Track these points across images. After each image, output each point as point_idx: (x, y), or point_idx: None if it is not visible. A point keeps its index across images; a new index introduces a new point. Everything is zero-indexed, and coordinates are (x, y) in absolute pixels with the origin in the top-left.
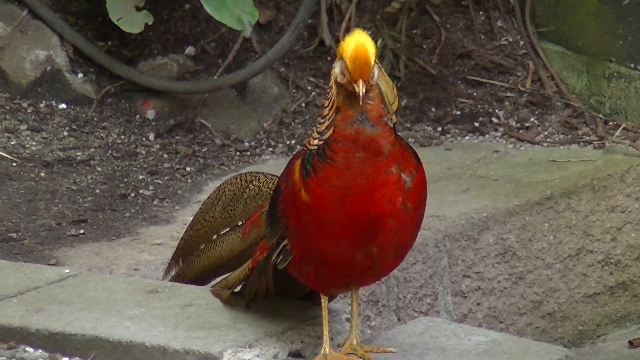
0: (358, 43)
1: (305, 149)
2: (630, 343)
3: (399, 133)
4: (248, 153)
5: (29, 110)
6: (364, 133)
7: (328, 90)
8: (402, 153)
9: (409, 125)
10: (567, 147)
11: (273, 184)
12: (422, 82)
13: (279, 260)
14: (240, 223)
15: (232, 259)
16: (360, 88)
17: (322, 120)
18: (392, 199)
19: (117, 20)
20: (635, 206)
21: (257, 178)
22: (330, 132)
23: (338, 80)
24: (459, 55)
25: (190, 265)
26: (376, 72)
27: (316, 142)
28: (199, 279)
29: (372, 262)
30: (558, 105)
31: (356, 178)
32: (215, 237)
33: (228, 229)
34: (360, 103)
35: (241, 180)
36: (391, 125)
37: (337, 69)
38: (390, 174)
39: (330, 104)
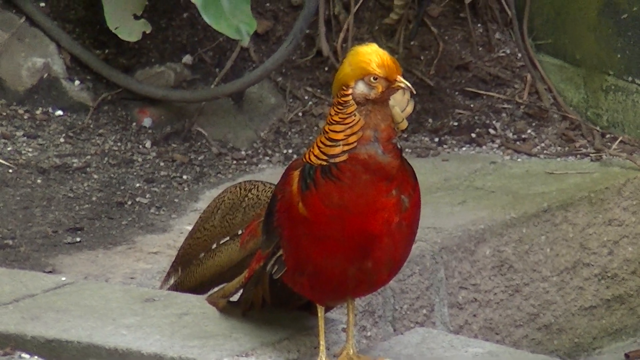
0: (376, 51)
1: (303, 160)
2: (627, 356)
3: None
4: (245, 162)
5: (25, 117)
6: (376, 159)
7: (344, 117)
8: (404, 175)
9: (406, 136)
10: (564, 160)
11: (272, 193)
12: (420, 94)
13: (274, 270)
14: (239, 232)
15: (231, 268)
16: (404, 80)
17: (332, 144)
18: (389, 220)
19: (115, 28)
20: (632, 219)
21: (256, 187)
22: (345, 157)
23: (370, 97)
24: (457, 67)
25: (189, 274)
26: None
27: (320, 162)
28: (198, 288)
29: (366, 276)
30: (555, 117)
31: (358, 198)
32: (214, 246)
33: (227, 237)
34: (414, 92)
35: (240, 189)
36: (399, 147)
37: (361, 90)
38: (391, 197)
39: (346, 129)
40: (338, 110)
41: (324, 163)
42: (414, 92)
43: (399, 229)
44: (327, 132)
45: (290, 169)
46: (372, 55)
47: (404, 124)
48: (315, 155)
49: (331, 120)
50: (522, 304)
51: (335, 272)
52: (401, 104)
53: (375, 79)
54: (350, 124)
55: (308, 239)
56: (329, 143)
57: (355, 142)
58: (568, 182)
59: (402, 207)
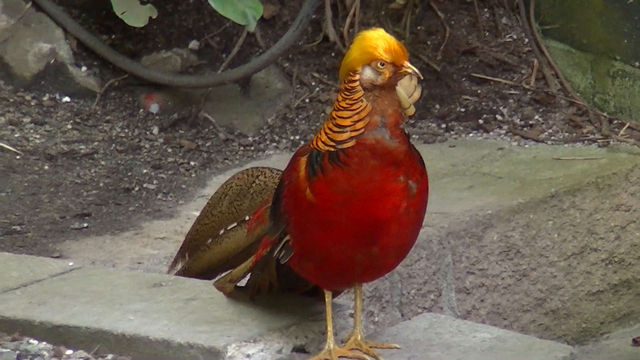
0: (383, 36)
1: (310, 146)
2: (634, 341)
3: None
4: (252, 148)
5: (32, 103)
6: (383, 144)
7: (351, 103)
8: (411, 161)
9: (413, 122)
10: (572, 145)
11: (279, 179)
12: (426, 79)
13: (281, 255)
14: (246, 218)
15: (238, 254)
16: (410, 66)
17: (340, 130)
18: (396, 206)
19: (122, 13)
20: None
21: (264, 173)
22: (352, 143)
23: (377, 82)
24: (463, 52)
25: (196, 259)
26: None
27: (328, 148)
28: (205, 274)
29: (373, 262)
30: (562, 103)
31: (365, 184)
32: (222, 232)
33: (235, 224)
34: (421, 77)
35: (248, 175)
36: (406, 132)
37: (368, 75)
38: (398, 182)
39: (353, 114)
40: (345, 96)
41: (332, 149)
42: (422, 78)
43: (406, 214)
44: (334, 118)
45: (297, 154)
46: (379, 41)
47: (412, 110)
48: (322, 142)
49: (338, 106)
50: (530, 289)
51: (342, 257)
52: (408, 90)
53: (382, 64)
54: (358, 110)
55: (315, 225)
56: (336, 129)
57: (362, 128)
58: (575, 167)
59: (409, 192)
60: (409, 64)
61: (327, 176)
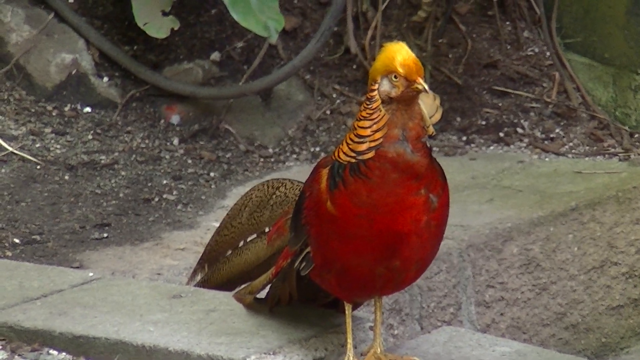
0: (401, 49)
1: (332, 158)
2: None
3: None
4: (272, 159)
5: (53, 114)
6: (404, 157)
7: (370, 112)
8: (433, 174)
9: (434, 135)
10: (592, 159)
11: (299, 190)
12: (448, 92)
13: (302, 267)
14: (266, 229)
15: (258, 265)
16: (422, 83)
17: (360, 140)
18: (417, 219)
19: (144, 24)
20: None
21: (284, 184)
22: (372, 154)
23: (392, 95)
24: (485, 65)
25: (216, 271)
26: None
27: (349, 159)
28: (225, 286)
29: (394, 275)
30: (583, 116)
31: (386, 197)
32: (241, 243)
33: (255, 235)
34: (431, 96)
35: (268, 187)
36: (428, 145)
37: (385, 87)
38: (419, 195)
39: (372, 124)
40: (366, 106)
41: (352, 160)
42: (427, 92)
43: (427, 228)
44: (355, 129)
45: (319, 166)
46: (397, 54)
47: (431, 130)
48: (344, 152)
49: (360, 116)
50: (550, 303)
51: (363, 270)
52: (430, 110)
53: (396, 77)
54: (376, 119)
55: (336, 237)
56: (356, 139)
57: (380, 138)
58: (596, 181)
59: (430, 206)
60: (421, 81)
61: (348, 188)
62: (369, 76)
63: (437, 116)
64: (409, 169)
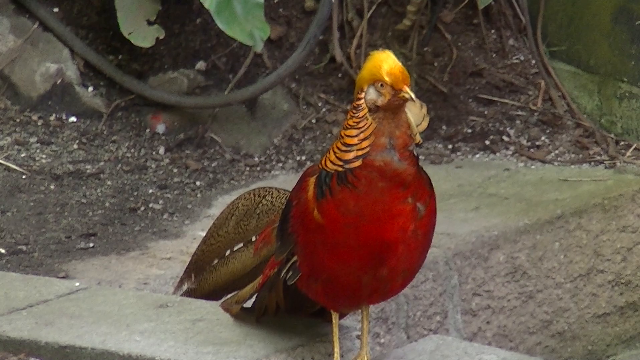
0: (387, 58)
1: (319, 167)
2: None
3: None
4: (258, 168)
5: (39, 123)
6: (391, 166)
7: (357, 121)
8: (420, 183)
9: (420, 143)
10: (578, 167)
11: (286, 199)
12: (433, 100)
13: (289, 276)
14: (253, 238)
15: (244, 275)
16: (409, 92)
17: (347, 149)
18: (404, 228)
19: (129, 34)
20: None
21: (270, 193)
22: (359, 163)
23: (378, 103)
24: (470, 74)
25: (202, 280)
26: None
27: (336, 167)
28: (212, 295)
29: (380, 284)
30: (569, 124)
31: (373, 205)
32: (228, 252)
33: (241, 244)
34: (418, 104)
35: (254, 195)
36: (415, 154)
37: (371, 95)
38: (406, 204)
39: (359, 133)
40: (352, 115)
41: (340, 169)
42: (415, 101)
43: (414, 236)
44: (342, 137)
45: (306, 175)
46: (383, 62)
47: (418, 138)
48: (331, 161)
49: (346, 125)
50: (536, 311)
51: (350, 279)
52: (417, 118)
53: (382, 85)
54: (363, 128)
55: (323, 246)
56: (343, 148)
57: (367, 146)
58: (582, 189)
59: (417, 215)
60: (407, 90)
61: (335, 197)
62: (355, 84)
63: (424, 124)
64: (396, 178)
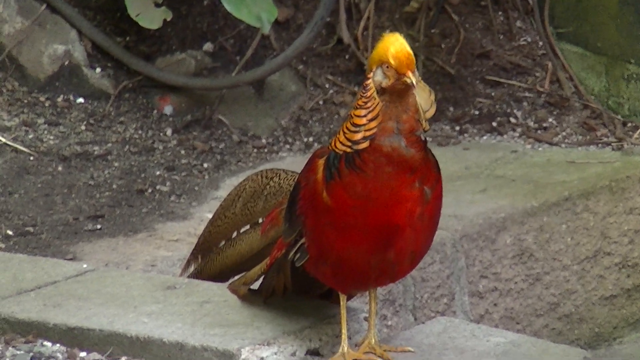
0: (395, 41)
1: (328, 148)
2: None
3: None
4: (265, 150)
5: (46, 105)
6: (399, 151)
7: (365, 101)
8: (427, 167)
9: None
10: (586, 149)
11: (293, 180)
12: (440, 82)
13: (297, 258)
14: (260, 220)
15: (251, 256)
16: (412, 77)
17: (355, 129)
18: (411, 212)
19: (136, 15)
20: None
21: (278, 175)
22: (366, 144)
23: (383, 85)
24: (478, 55)
25: (209, 262)
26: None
27: (345, 148)
28: (219, 277)
29: (388, 267)
30: (576, 106)
31: (381, 189)
32: (235, 234)
33: (248, 226)
34: (415, 88)
35: (262, 177)
36: (423, 138)
37: (378, 77)
38: (413, 188)
39: (367, 113)
40: (361, 95)
41: (348, 150)
42: (415, 88)
43: (421, 220)
44: (351, 117)
45: (315, 156)
46: (390, 45)
47: (425, 125)
48: (340, 142)
49: (356, 105)
50: (543, 293)
51: (357, 262)
52: (425, 105)
53: (387, 67)
54: (370, 108)
55: (331, 228)
56: (352, 128)
57: (375, 127)
58: (589, 171)
59: (424, 198)
60: (410, 75)
61: (344, 180)
62: (367, 65)
63: (432, 111)
64: (404, 163)
